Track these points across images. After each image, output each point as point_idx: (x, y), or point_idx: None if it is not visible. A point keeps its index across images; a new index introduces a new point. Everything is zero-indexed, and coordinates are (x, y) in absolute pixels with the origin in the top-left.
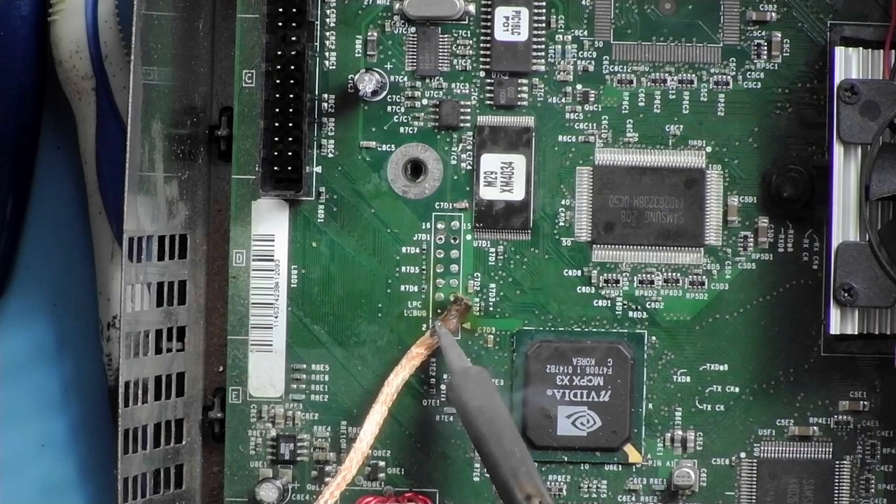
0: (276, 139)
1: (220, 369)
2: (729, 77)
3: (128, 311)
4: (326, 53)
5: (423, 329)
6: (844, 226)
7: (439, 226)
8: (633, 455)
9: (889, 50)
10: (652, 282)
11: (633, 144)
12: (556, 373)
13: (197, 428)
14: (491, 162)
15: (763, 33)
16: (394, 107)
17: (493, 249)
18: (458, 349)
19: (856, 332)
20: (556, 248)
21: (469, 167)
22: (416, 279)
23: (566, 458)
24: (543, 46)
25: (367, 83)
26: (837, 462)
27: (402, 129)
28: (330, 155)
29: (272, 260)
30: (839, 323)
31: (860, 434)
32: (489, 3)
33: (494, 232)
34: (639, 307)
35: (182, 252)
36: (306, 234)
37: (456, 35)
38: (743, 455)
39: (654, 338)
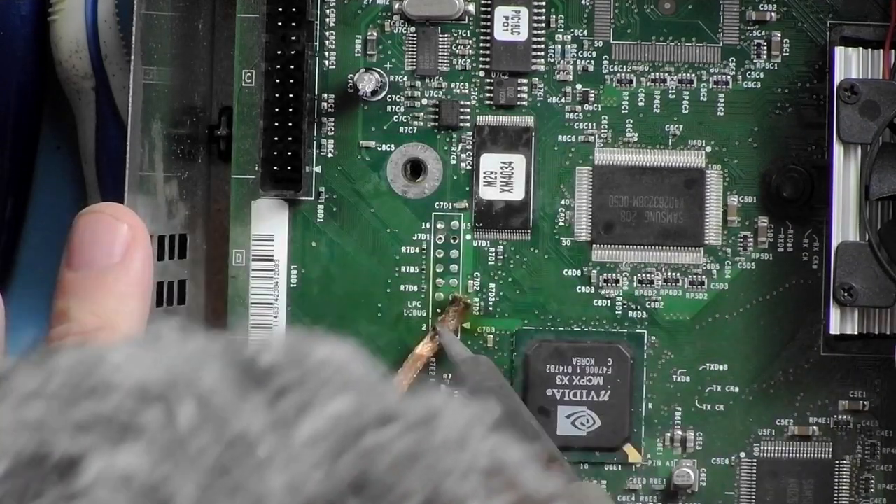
0: (276, 139)
1: None
2: (729, 77)
3: None
4: (326, 53)
5: (423, 329)
6: (844, 226)
7: (439, 225)
8: (632, 455)
9: (889, 50)
10: (652, 282)
11: (632, 144)
12: (556, 373)
13: None
14: (491, 162)
15: (763, 33)
16: (393, 107)
17: (492, 249)
18: (460, 343)
19: (856, 332)
20: (556, 247)
21: (469, 167)
22: (415, 279)
23: (566, 458)
24: (543, 46)
25: (366, 83)
26: (837, 462)
27: (401, 129)
28: (329, 155)
29: (272, 260)
30: (839, 323)
31: (860, 434)
32: (489, 2)
33: (494, 232)
34: (638, 307)
35: (182, 252)
36: (306, 234)
37: (456, 35)
38: (743, 455)
39: (653, 338)
